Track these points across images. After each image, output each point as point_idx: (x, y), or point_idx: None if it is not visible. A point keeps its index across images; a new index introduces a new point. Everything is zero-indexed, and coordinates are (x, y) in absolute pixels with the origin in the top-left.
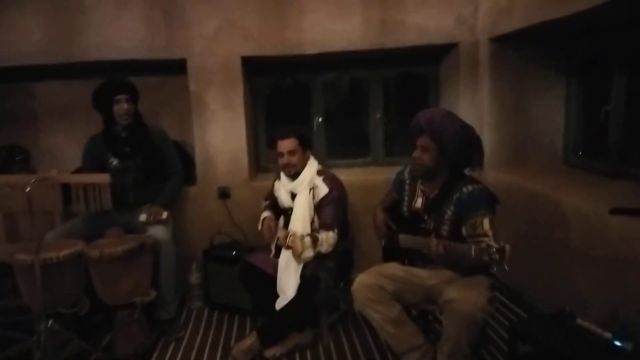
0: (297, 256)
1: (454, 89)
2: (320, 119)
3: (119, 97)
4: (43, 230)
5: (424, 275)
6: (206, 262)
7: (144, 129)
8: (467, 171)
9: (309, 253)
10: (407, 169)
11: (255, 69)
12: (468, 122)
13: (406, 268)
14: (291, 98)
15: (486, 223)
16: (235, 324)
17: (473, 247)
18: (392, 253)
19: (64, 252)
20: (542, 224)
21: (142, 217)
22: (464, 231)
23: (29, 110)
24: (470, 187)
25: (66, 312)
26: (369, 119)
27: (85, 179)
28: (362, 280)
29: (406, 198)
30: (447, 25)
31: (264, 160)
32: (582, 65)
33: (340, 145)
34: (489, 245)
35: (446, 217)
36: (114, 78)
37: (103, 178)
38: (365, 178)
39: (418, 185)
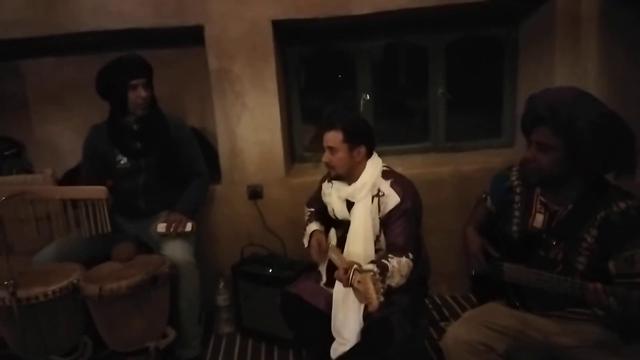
0: (364, 300)
1: (545, 56)
2: (367, 96)
3: (135, 81)
4: (39, 240)
5: (549, 329)
6: (236, 279)
7: (160, 120)
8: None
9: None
10: (514, 172)
11: (288, 37)
12: None
13: (519, 314)
14: (332, 72)
15: None
16: (275, 358)
17: None
18: (487, 288)
19: (54, 288)
20: None
21: (161, 227)
22: (612, 267)
23: (18, 94)
24: (622, 205)
25: None
26: (427, 94)
27: (75, 193)
28: (460, 335)
29: (517, 213)
30: None
31: (299, 148)
32: None
33: (391, 128)
34: None
35: (584, 244)
36: (126, 57)
37: (98, 192)
38: (428, 171)
39: (536, 195)
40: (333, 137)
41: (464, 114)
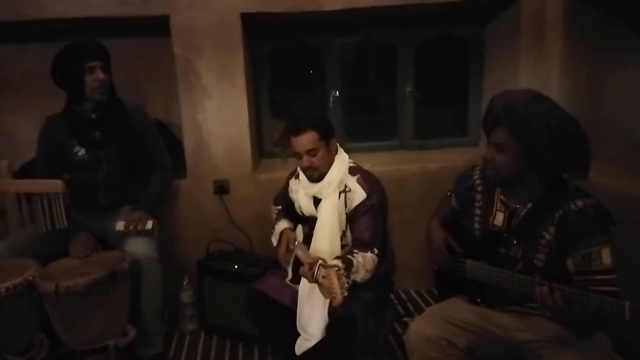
0: (329, 295)
1: (510, 56)
2: (337, 93)
3: (92, 64)
4: None
5: (509, 324)
6: (201, 275)
7: (120, 108)
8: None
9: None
10: (477, 171)
11: (258, 30)
12: None
13: (480, 310)
14: (301, 67)
15: (606, 255)
16: (240, 355)
17: (607, 300)
18: (449, 283)
19: (7, 285)
20: None
21: (119, 225)
22: (570, 265)
23: None
24: (580, 203)
25: None
26: (396, 92)
27: (31, 186)
28: (422, 330)
29: (478, 211)
30: None
31: (268, 143)
32: None
33: (360, 125)
34: None
35: (543, 242)
36: (81, 40)
37: (54, 186)
38: (395, 168)
39: (497, 194)
40: (309, 140)
41: (432, 113)
